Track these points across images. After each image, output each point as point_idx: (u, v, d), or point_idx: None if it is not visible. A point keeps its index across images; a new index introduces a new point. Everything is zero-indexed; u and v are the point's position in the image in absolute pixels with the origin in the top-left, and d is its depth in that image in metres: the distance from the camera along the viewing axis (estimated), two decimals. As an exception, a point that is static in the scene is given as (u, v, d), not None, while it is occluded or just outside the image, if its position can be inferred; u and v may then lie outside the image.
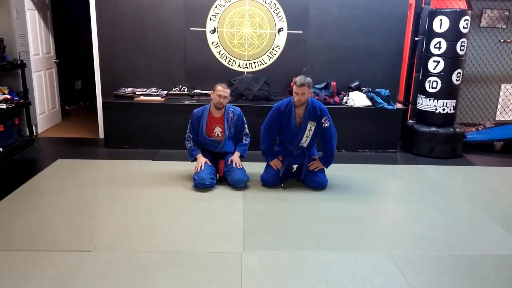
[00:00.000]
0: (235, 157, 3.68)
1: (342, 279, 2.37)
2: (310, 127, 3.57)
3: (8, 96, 4.37)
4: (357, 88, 5.05)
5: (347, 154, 4.85)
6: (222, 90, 3.55)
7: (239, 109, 3.77)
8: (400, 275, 2.43)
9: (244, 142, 3.77)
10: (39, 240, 2.70)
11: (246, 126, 3.77)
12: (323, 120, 3.55)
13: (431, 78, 4.76)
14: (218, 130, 3.68)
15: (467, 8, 4.58)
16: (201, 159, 3.64)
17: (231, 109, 3.71)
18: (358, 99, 4.82)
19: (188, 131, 3.72)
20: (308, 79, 3.43)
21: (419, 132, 4.85)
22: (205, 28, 4.97)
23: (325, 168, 3.74)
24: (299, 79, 3.43)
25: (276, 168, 3.67)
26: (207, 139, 3.69)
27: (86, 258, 2.50)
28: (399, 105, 5.01)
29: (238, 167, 3.62)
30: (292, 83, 3.84)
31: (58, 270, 2.37)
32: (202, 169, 3.57)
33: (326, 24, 5.02)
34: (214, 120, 3.67)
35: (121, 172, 3.97)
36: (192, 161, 3.73)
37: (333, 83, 4.95)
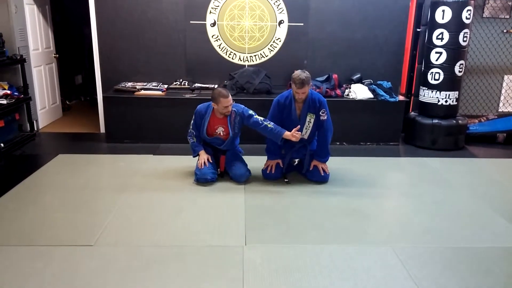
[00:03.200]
0: (289, 134, 3.40)
1: (344, 272, 2.37)
2: (310, 119, 3.55)
3: (8, 92, 4.35)
4: (359, 81, 5.01)
5: (349, 147, 4.82)
6: (227, 101, 3.39)
7: (242, 106, 3.61)
8: (403, 268, 2.42)
9: (270, 126, 3.46)
10: (41, 235, 2.70)
11: (255, 115, 3.52)
12: (320, 113, 3.53)
13: (434, 70, 4.72)
14: (220, 130, 3.60)
15: (469, -2, 4.53)
16: (204, 156, 3.61)
17: (233, 109, 3.54)
18: (360, 92, 4.79)
19: (191, 127, 3.65)
20: (307, 75, 3.35)
21: (422, 124, 4.83)
22: (205, 21, 4.93)
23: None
24: (297, 78, 3.32)
25: (268, 171, 3.65)
26: (207, 138, 3.63)
27: (88, 253, 2.50)
28: (401, 97, 4.97)
29: (302, 136, 3.44)
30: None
31: (60, 265, 2.38)
32: (206, 166, 3.55)
33: (327, 16, 4.97)
34: (217, 120, 3.58)
35: (122, 167, 3.96)
36: (194, 157, 3.71)
37: (335, 76, 4.92)
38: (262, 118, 3.53)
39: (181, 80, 4.99)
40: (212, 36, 4.98)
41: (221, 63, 5.02)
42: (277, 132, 3.46)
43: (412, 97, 5.32)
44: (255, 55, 5.06)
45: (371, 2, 4.94)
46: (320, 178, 3.64)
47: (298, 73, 3.37)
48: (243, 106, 3.62)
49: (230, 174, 3.65)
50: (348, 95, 4.83)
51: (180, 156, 4.22)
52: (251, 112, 3.57)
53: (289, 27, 4.99)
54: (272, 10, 4.94)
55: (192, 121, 3.65)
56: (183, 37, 4.96)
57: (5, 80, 4.57)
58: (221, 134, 3.62)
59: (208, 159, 3.59)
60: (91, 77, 5.83)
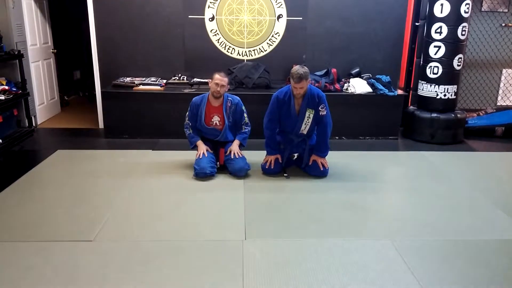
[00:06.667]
0: (234, 146, 3.65)
1: (343, 266, 2.38)
2: (309, 114, 3.55)
3: (6, 87, 4.34)
4: (358, 75, 5.01)
5: (348, 141, 4.83)
6: (219, 78, 3.53)
7: (238, 98, 3.73)
8: (402, 261, 2.43)
9: (243, 130, 3.74)
10: (40, 231, 2.70)
11: (245, 115, 3.72)
12: (320, 108, 3.52)
13: (432, 64, 4.71)
14: (216, 119, 3.66)
15: (468, -8, 4.52)
16: (202, 146, 3.63)
17: (230, 98, 3.67)
18: (358, 86, 4.78)
19: (187, 118, 3.71)
20: (305, 70, 3.35)
21: (420, 118, 4.83)
22: (204, 15, 4.91)
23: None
24: (295, 73, 3.33)
25: (268, 166, 3.65)
26: (205, 127, 3.67)
27: (88, 248, 2.51)
28: (400, 91, 4.97)
29: (237, 156, 3.60)
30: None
31: (60, 261, 2.38)
32: (205, 156, 3.56)
33: (326, 10, 4.95)
34: (213, 109, 3.65)
35: (121, 162, 3.96)
36: (192, 148, 3.72)
37: (334, 70, 4.92)
38: (247, 122, 3.72)
39: (179, 75, 4.97)
40: (211, 31, 4.96)
41: (220, 57, 5.01)
42: (238, 136, 3.72)
43: (411, 91, 5.32)
44: (254, 50, 5.05)
45: (370, -4, 4.92)
46: (320, 173, 3.64)
47: (296, 68, 3.38)
48: (239, 98, 3.72)
49: (229, 168, 3.65)
50: (347, 89, 4.83)
51: (179, 151, 4.22)
52: (244, 109, 3.70)
53: (288, 22, 4.97)
54: (271, 4, 4.91)
55: (188, 113, 3.69)
56: (182, 31, 4.94)
57: (3, 75, 4.55)
58: (217, 124, 3.67)
59: (207, 150, 3.62)
60: (89, 72, 5.81)
